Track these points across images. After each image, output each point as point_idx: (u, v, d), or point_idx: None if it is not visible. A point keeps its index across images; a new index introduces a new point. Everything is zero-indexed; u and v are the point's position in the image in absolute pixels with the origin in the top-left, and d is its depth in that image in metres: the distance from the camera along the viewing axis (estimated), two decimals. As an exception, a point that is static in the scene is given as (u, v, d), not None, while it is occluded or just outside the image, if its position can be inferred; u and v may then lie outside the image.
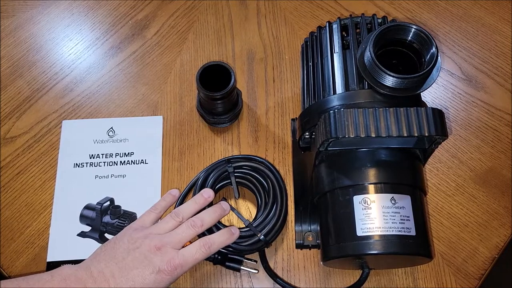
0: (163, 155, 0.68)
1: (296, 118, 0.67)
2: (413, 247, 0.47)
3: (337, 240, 0.49)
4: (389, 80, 0.48)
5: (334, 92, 0.52)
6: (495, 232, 0.62)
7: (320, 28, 0.59)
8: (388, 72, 0.47)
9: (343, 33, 0.56)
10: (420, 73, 0.47)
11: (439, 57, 0.48)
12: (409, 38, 0.50)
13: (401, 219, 0.47)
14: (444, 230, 0.62)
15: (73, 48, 0.76)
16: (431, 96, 0.70)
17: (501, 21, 0.75)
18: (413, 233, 0.47)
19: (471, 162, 0.66)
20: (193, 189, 0.63)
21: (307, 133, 0.54)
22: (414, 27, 0.49)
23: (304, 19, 0.78)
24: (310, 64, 0.58)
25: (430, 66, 0.47)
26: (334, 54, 0.55)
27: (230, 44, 0.75)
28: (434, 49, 0.47)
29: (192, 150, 0.68)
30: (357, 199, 0.48)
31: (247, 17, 0.78)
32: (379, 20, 0.56)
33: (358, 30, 0.56)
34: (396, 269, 0.60)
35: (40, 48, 0.76)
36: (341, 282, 0.60)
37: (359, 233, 0.47)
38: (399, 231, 0.46)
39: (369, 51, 0.48)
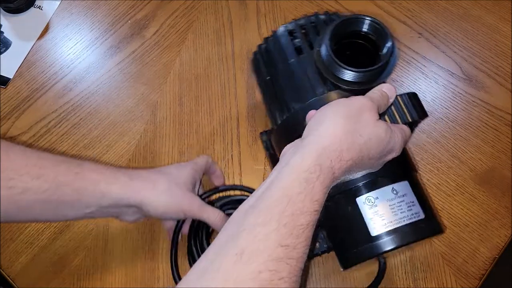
0: (163, 154, 0.68)
1: (266, 131, 0.66)
2: (426, 230, 0.48)
3: (354, 245, 0.49)
4: (349, 75, 0.47)
5: (305, 100, 0.50)
6: (495, 232, 0.62)
7: (267, 39, 0.56)
8: (347, 67, 0.46)
9: (292, 37, 0.54)
10: (378, 65, 0.46)
11: (394, 45, 0.47)
12: (365, 29, 0.49)
13: (408, 207, 0.47)
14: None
15: (72, 48, 0.76)
16: (431, 96, 0.70)
17: (502, 21, 0.75)
18: (422, 216, 0.47)
19: (471, 162, 0.66)
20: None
21: None
22: (368, 18, 0.48)
23: (304, 18, 0.77)
24: (268, 78, 0.55)
25: (388, 54, 0.47)
26: (290, 63, 0.52)
27: (230, 44, 0.75)
28: (389, 38, 0.47)
29: (191, 150, 0.68)
30: (360, 200, 0.48)
31: (247, 17, 0.77)
32: (323, 17, 0.54)
33: (303, 31, 0.54)
34: (396, 269, 0.60)
35: (39, 48, 0.76)
36: (341, 283, 0.59)
37: (373, 233, 0.47)
38: (410, 218, 0.47)
39: (326, 49, 0.47)
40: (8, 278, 0.61)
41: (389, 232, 0.46)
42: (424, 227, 0.47)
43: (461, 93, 0.70)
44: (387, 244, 0.46)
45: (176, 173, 0.55)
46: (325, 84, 0.50)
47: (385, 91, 0.47)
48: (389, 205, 0.47)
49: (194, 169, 0.58)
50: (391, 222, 0.46)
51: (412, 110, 0.47)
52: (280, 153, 0.52)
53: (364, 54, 0.50)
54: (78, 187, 0.46)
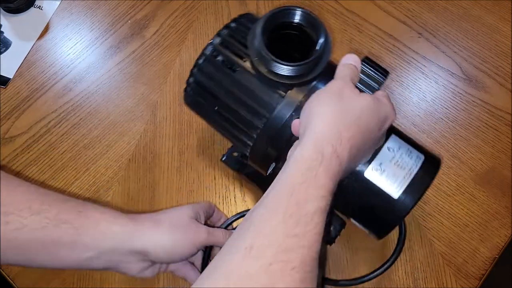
0: (163, 154, 0.67)
1: (226, 153, 0.65)
2: (433, 168, 0.49)
3: (383, 215, 0.49)
4: (287, 70, 0.46)
5: (268, 113, 0.48)
6: (495, 232, 0.62)
7: (192, 71, 0.53)
8: (283, 62, 0.46)
9: (216, 57, 0.51)
10: (315, 56, 0.46)
11: (328, 36, 0.47)
12: (297, 21, 0.48)
13: (408, 156, 0.48)
14: (445, 230, 0.62)
15: (72, 48, 0.76)
16: (431, 96, 0.70)
17: (502, 21, 0.75)
18: (422, 157, 0.49)
19: (472, 162, 0.66)
20: None
21: (273, 164, 0.52)
22: (298, 9, 0.48)
23: (304, 18, 0.77)
24: (216, 108, 0.51)
25: (322, 43, 0.46)
26: (231, 85, 0.50)
27: (229, 44, 0.75)
28: (322, 29, 0.47)
29: (191, 150, 0.68)
30: (368, 174, 0.48)
31: (247, 16, 0.77)
32: (233, 24, 0.52)
33: (224, 47, 0.51)
34: (396, 269, 0.60)
35: (39, 48, 0.76)
36: (341, 277, 0.59)
37: (395, 195, 0.47)
38: (417, 165, 0.48)
39: (261, 47, 0.46)
40: (8, 278, 0.61)
41: (408, 187, 0.47)
42: (430, 167, 0.49)
43: (461, 93, 0.70)
44: (412, 198, 0.47)
45: (175, 211, 0.54)
46: (277, 88, 0.48)
47: (351, 63, 0.47)
48: (394, 164, 0.48)
49: (196, 206, 0.56)
50: (404, 177, 0.47)
51: (377, 74, 0.48)
52: (266, 171, 0.52)
53: (300, 44, 0.49)
54: (79, 225, 0.44)
